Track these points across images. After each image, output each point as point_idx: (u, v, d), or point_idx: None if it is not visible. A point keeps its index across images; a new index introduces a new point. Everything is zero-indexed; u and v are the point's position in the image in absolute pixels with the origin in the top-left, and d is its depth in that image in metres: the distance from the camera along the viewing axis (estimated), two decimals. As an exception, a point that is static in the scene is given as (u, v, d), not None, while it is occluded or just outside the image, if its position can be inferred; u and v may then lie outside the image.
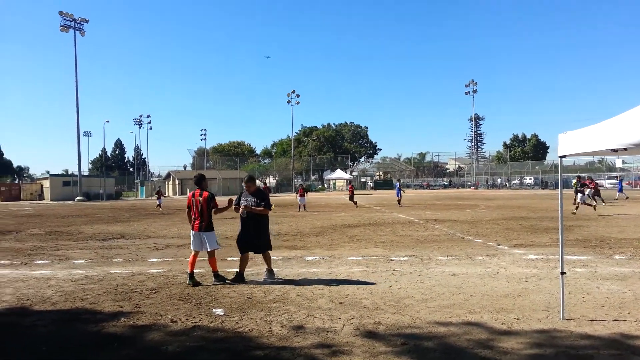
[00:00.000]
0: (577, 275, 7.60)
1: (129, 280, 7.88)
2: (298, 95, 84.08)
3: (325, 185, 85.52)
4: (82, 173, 62.71)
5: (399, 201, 29.05)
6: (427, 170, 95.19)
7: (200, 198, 7.45)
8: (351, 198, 29.15)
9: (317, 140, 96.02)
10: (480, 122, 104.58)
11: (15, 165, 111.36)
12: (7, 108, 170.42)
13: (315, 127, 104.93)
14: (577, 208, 19.85)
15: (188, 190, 68.99)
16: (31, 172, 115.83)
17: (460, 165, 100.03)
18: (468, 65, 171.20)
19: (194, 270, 7.48)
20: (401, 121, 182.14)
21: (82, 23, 59.35)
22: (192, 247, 7.72)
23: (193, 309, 5.98)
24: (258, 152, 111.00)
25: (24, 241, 14.02)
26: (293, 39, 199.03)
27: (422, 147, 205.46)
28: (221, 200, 7.75)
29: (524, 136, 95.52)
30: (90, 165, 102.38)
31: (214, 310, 5.88)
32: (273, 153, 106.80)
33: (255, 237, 7.43)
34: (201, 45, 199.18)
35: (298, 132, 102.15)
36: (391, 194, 49.65)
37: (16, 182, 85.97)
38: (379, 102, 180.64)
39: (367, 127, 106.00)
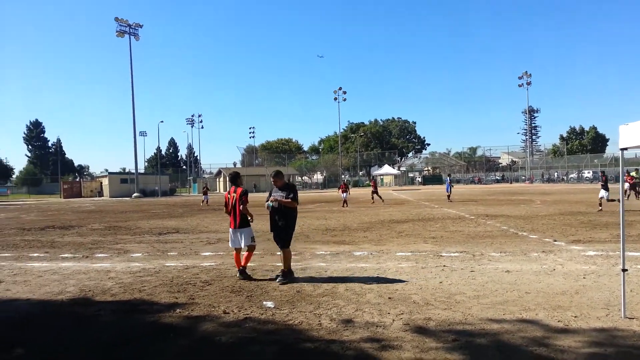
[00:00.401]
0: (639, 272, 7.21)
1: (183, 273, 8.17)
2: (345, 92, 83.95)
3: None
4: (139, 171, 65.39)
5: (448, 196, 28.45)
6: (478, 165, 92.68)
7: (235, 194, 7.56)
8: (375, 192, 28.11)
9: (364, 136, 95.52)
10: (535, 114, 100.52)
11: (76, 164, 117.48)
12: (69, 110, 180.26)
13: (362, 123, 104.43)
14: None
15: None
16: (91, 170, 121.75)
17: (514, 160, 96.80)
18: (521, 57, 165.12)
19: (245, 265, 7.61)
20: (451, 115, 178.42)
21: (137, 28, 61.67)
22: (230, 245, 7.83)
23: (244, 301, 6.13)
24: (305, 148, 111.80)
25: (85, 235, 14.78)
26: (340, 35, 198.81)
27: (472, 142, 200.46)
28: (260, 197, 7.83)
29: (582, 129, 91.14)
30: (146, 164, 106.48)
31: (264, 302, 6.00)
32: (320, 150, 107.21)
33: (283, 230, 7.36)
34: (249, 45, 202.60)
35: (345, 128, 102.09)
36: (440, 189, 48.75)
37: (77, 180, 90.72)
38: (427, 97, 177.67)
39: (414, 122, 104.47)
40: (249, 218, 7.59)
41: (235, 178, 7.79)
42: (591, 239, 10.91)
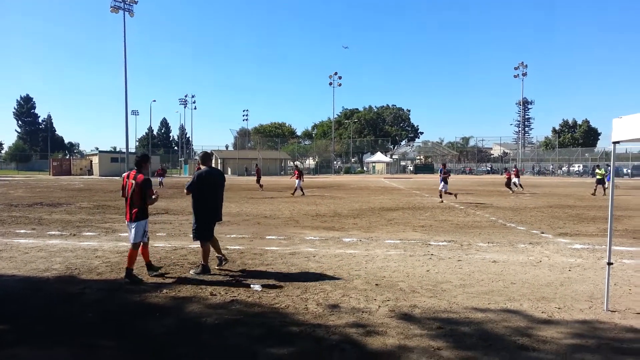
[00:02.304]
0: (624, 266, 7.30)
1: (171, 253, 8.15)
2: (340, 77, 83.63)
3: (365, 168, 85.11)
4: (130, 150, 64.85)
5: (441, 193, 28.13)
6: (470, 155, 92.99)
7: (134, 181, 6.30)
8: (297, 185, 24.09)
9: (357, 122, 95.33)
10: (529, 106, 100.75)
11: (66, 141, 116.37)
12: (60, 86, 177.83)
13: (357, 109, 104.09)
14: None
15: (229, 170, 70.53)
16: (81, 148, 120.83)
17: (506, 151, 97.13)
18: (518, 48, 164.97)
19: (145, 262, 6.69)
20: (445, 105, 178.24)
21: (132, 4, 60.54)
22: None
23: (232, 283, 6.13)
24: (299, 133, 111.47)
25: (73, 214, 14.68)
26: (334, 20, 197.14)
27: (465, 132, 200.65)
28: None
29: (575, 122, 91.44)
30: (137, 143, 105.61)
31: (252, 285, 6.01)
32: (313, 135, 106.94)
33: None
34: (244, 27, 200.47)
35: (339, 114, 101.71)
36: (432, 178, 48.94)
37: (67, 157, 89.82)
38: (422, 85, 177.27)
39: (409, 110, 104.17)
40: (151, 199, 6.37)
41: (141, 161, 6.54)
42: (578, 232, 11.02)
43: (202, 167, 6.93)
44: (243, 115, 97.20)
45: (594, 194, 24.01)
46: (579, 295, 5.67)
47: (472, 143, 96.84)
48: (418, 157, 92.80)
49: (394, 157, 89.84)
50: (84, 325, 4.63)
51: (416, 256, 8.04)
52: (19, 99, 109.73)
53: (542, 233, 10.86)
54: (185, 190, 6.82)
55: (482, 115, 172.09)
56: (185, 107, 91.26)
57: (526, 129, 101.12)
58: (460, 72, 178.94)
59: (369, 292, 5.73)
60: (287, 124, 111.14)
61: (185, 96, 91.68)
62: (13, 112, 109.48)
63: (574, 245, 9.31)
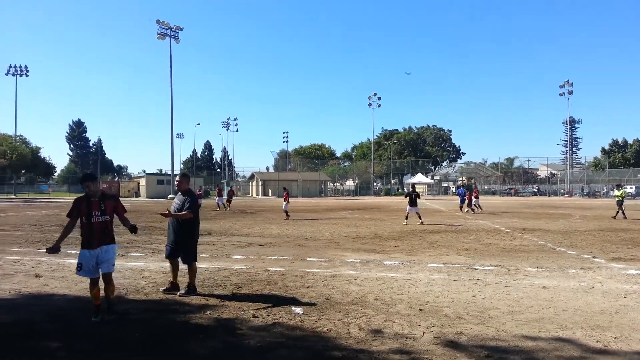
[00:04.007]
0: (688, 295, 6.85)
1: (214, 275, 8.27)
2: (379, 98, 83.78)
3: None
4: (175, 172, 66.81)
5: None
6: (515, 177, 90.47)
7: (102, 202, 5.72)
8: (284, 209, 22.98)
9: (397, 143, 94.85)
10: (576, 125, 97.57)
11: (115, 164, 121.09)
12: (110, 111, 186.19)
13: (396, 130, 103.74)
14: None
15: (270, 191, 71.35)
16: (129, 170, 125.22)
17: (553, 172, 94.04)
18: (562, 65, 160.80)
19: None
20: (488, 125, 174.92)
21: (177, 31, 63.07)
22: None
23: (274, 306, 6.14)
24: (338, 154, 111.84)
25: (121, 234, 15.11)
26: (375, 41, 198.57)
27: (510, 152, 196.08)
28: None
29: (625, 141, 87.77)
30: (182, 165, 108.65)
31: (293, 308, 6.00)
32: (353, 156, 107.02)
33: (182, 244, 6.72)
34: (285, 50, 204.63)
35: (378, 135, 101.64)
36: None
37: (116, 180, 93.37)
38: (464, 105, 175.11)
39: (450, 131, 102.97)
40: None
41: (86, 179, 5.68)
42: (633, 257, 10.46)
43: (187, 188, 6.92)
44: (283, 137, 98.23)
45: (614, 217, 22.67)
46: (636, 324, 5.34)
47: (517, 164, 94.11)
48: (460, 178, 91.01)
49: (435, 178, 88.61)
50: (130, 344, 4.73)
51: (461, 281, 7.82)
52: (71, 124, 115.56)
53: (594, 258, 10.37)
54: (187, 213, 6.63)
55: (527, 135, 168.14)
56: (227, 130, 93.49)
57: (574, 149, 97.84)
58: (504, 91, 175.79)
59: (412, 318, 5.61)
60: (326, 146, 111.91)
61: (228, 119, 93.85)
62: (65, 136, 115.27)
63: (629, 270, 8.83)
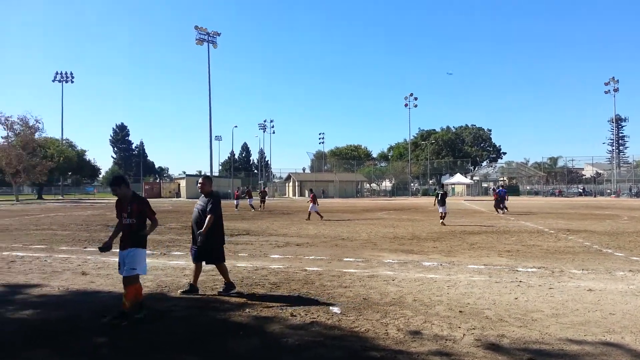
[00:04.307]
0: None
1: (253, 274, 8.37)
2: (416, 98, 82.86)
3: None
4: (213, 174, 68.14)
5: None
6: (559, 177, 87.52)
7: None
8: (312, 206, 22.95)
9: (434, 143, 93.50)
10: (623, 123, 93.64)
11: (156, 166, 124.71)
12: (151, 115, 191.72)
13: (434, 130, 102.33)
14: None
15: (307, 192, 71.68)
16: (170, 172, 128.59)
17: (599, 171, 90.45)
18: (608, 61, 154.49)
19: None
20: (529, 123, 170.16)
21: (215, 36, 64.39)
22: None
23: (311, 305, 6.15)
24: (375, 155, 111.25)
25: (163, 234, 15.57)
26: (408, 41, 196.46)
27: (553, 151, 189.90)
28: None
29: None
30: (220, 167, 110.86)
31: (331, 308, 6.00)
32: (389, 157, 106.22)
33: (205, 245, 6.63)
34: (320, 51, 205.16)
35: (415, 135, 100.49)
36: (517, 200, 46.62)
37: (157, 181, 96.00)
38: (504, 104, 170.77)
39: (490, 130, 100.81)
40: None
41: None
42: (689, 261, 9.92)
43: (210, 190, 6.96)
44: (319, 138, 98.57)
45: None
46: (694, 331, 5.06)
47: (560, 163, 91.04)
48: (501, 179, 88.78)
49: (474, 178, 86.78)
50: (172, 341, 4.84)
51: (503, 283, 7.62)
52: (114, 127, 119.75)
53: (646, 260, 9.90)
54: (212, 217, 6.64)
55: (570, 134, 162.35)
56: (264, 132, 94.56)
57: (620, 147, 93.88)
58: (546, 88, 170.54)
59: (452, 319, 5.50)
60: (362, 146, 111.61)
61: (264, 121, 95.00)
62: (109, 140, 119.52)
63: (685, 274, 8.38)
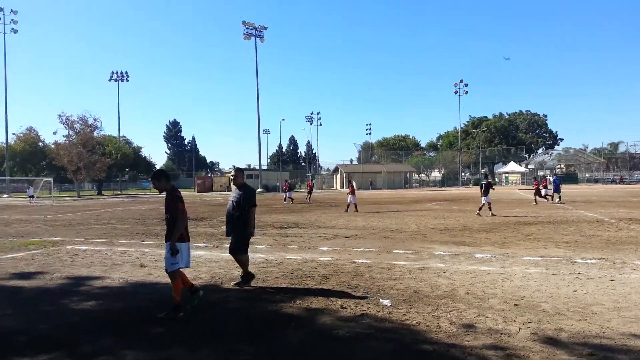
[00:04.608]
0: None
1: (302, 265, 8.47)
2: (466, 85, 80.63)
3: (497, 180, 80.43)
4: (262, 167, 69.24)
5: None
6: (620, 163, 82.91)
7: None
8: (352, 194, 22.33)
9: (487, 131, 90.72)
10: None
11: (208, 160, 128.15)
12: (202, 110, 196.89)
13: (485, 117, 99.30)
14: None
15: (355, 184, 71.60)
16: (221, 166, 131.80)
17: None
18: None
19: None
20: (588, 108, 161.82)
21: (262, 30, 65.17)
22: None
23: (361, 297, 6.16)
24: (423, 145, 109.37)
25: (215, 227, 16.00)
26: (460, 28, 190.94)
27: (614, 137, 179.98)
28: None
29: None
30: (269, 160, 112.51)
31: (381, 300, 5.98)
32: (439, 146, 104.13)
33: (234, 237, 6.94)
34: (366, 41, 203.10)
35: (466, 123, 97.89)
36: (575, 189, 44.63)
37: (209, 175, 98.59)
38: (560, 89, 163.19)
39: (545, 116, 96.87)
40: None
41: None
42: None
43: (242, 182, 7.15)
44: (366, 129, 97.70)
45: None
46: None
47: (622, 149, 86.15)
48: (558, 166, 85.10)
49: (529, 166, 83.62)
50: (226, 331, 4.99)
51: (560, 275, 7.34)
52: (167, 124, 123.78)
53: None
54: (250, 208, 6.91)
55: (632, 118, 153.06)
56: (311, 124, 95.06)
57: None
58: (604, 71, 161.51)
59: (507, 313, 5.36)
60: (410, 136, 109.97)
61: (311, 113, 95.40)
62: (163, 136, 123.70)
63: None
